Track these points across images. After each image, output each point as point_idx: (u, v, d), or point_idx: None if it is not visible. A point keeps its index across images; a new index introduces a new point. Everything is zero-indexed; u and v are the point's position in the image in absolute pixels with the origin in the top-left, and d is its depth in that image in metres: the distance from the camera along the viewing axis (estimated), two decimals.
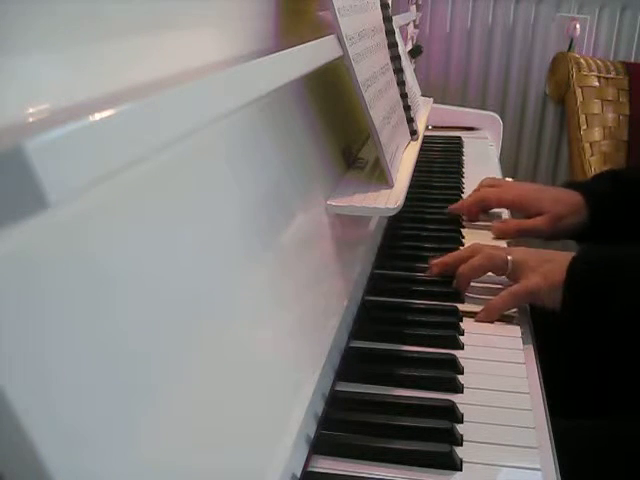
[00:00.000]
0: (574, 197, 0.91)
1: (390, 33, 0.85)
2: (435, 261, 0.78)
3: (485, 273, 0.75)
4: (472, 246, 0.78)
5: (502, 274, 0.73)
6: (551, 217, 0.89)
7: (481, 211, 0.98)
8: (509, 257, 0.72)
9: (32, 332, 0.24)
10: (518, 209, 0.96)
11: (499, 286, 0.73)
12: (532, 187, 1.00)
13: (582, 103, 1.95)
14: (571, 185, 0.96)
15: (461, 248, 0.82)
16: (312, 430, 0.49)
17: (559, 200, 0.91)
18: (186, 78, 0.32)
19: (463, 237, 0.90)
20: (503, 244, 0.87)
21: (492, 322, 0.70)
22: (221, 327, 0.39)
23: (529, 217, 0.92)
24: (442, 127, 1.56)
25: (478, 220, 0.97)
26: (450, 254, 0.78)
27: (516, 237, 0.91)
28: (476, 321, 0.70)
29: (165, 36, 0.40)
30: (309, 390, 0.48)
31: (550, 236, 0.91)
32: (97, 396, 0.27)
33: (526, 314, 0.71)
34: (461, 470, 0.47)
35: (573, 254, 0.72)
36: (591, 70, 1.97)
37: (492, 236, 0.91)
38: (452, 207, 0.98)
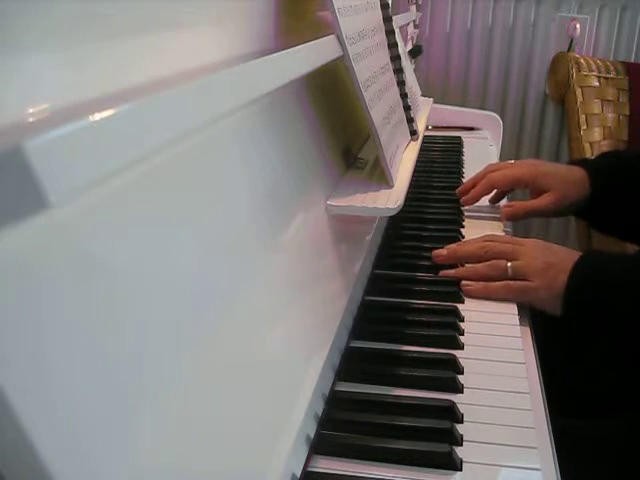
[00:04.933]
0: (578, 173, 0.92)
1: (390, 33, 0.85)
2: (445, 251, 0.79)
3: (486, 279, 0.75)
4: (483, 245, 0.78)
5: (505, 279, 0.74)
6: (558, 196, 0.90)
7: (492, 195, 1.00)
8: (509, 264, 0.73)
9: (32, 332, 0.24)
10: (527, 186, 0.96)
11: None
12: (538, 163, 0.99)
13: (582, 103, 1.94)
14: (575, 162, 0.97)
15: (472, 239, 0.82)
16: (312, 430, 0.49)
17: (565, 177, 0.92)
18: (186, 78, 0.32)
19: (463, 237, 0.90)
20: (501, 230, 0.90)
21: (475, 297, 0.74)
22: (220, 328, 0.39)
23: (536, 194, 0.93)
24: (442, 127, 1.56)
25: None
26: (461, 246, 0.80)
27: (525, 219, 0.93)
28: (465, 290, 0.74)
29: (165, 36, 0.40)
30: (309, 390, 0.48)
31: (555, 214, 0.93)
32: (97, 396, 0.27)
33: (526, 314, 0.71)
34: (461, 470, 0.48)
35: (576, 257, 0.71)
36: (591, 70, 1.97)
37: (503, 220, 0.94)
38: (462, 195, 0.99)
